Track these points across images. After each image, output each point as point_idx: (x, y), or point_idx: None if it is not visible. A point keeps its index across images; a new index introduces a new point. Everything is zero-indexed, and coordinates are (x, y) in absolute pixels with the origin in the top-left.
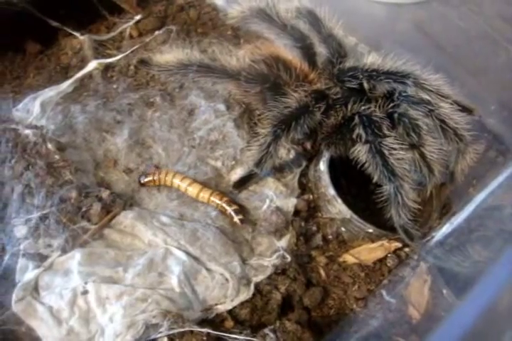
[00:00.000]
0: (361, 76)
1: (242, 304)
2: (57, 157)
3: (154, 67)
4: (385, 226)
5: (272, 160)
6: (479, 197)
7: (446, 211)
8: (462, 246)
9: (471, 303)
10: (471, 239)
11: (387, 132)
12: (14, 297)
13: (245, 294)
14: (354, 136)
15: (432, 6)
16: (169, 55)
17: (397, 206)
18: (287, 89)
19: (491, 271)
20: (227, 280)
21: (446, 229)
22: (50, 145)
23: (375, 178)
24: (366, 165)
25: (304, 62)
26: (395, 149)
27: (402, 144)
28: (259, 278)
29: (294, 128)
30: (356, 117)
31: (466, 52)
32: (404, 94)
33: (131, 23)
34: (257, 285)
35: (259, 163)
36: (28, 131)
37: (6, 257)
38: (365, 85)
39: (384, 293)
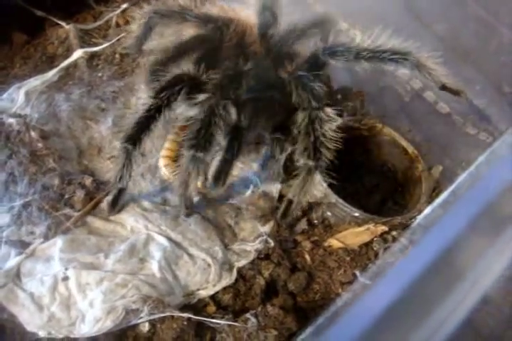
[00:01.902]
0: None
1: (224, 289)
2: (40, 145)
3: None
4: (373, 211)
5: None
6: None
7: (436, 194)
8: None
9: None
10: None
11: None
12: None
13: (228, 279)
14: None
15: None
16: None
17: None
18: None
19: None
20: (209, 265)
21: (427, 211)
22: (33, 134)
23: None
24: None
25: None
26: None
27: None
28: (242, 263)
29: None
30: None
31: (455, 32)
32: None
33: (118, 11)
34: (240, 271)
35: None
36: (11, 120)
37: None
38: None
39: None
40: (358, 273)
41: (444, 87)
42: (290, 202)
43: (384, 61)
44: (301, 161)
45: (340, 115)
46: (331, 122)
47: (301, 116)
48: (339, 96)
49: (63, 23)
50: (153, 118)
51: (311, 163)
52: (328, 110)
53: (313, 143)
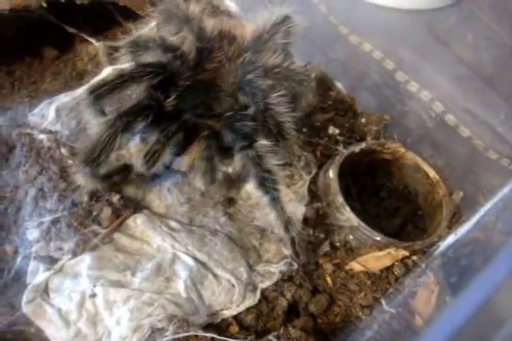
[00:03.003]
0: None
1: (247, 310)
2: (70, 162)
3: None
4: (393, 234)
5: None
6: (484, 209)
7: (455, 220)
8: (460, 259)
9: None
10: (465, 252)
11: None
12: (25, 298)
13: (251, 300)
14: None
15: (449, 12)
16: None
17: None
18: None
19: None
20: (233, 285)
21: (450, 239)
22: (63, 150)
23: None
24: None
25: None
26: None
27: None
28: (266, 284)
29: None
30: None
31: (482, 60)
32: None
33: (146, 28)
34: (263, 292)
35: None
36: (42, 136)
37: (18, 259)
38: None
39: (384, 302)
40: (383, 301)
41: None
42: (292, 240)
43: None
44: (260, 196)
45: (363, 139)
46: (267, 155)
47: (237, 157)
48: (363, 120)
49: (93, 40)
50: (110, 141)
51: (268, 196)
52: (260, 144)
53: (257, 179)
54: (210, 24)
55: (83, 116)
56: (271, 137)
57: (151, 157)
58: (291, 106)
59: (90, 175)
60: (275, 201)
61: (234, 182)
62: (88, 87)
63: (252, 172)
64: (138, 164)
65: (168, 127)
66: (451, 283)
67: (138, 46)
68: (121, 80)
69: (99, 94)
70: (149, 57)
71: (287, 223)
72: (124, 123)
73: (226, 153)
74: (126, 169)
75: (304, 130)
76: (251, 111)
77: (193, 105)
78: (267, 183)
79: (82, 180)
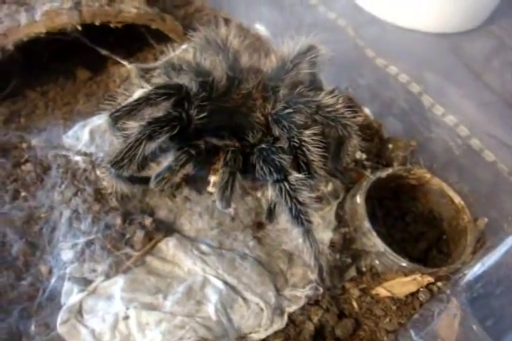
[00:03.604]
0: None
1: (275, 333)
2: (104, 184)
3: None
4: (418, 258)
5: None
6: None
7: (480, 245)
8: (488, 296)
9: None
10: (496, 292)
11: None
12: (59, 319)
13: (279, 324)
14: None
15: (475, 35)
16: None
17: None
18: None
19: None
20: (262, 309)
21: (477, 269)
22: (98, 172)
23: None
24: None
25: None
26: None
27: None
28: (293, 308)
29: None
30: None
31: (507, 85)
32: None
33: (178, 51)
34: (290, 315)
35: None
36: (78, 158)
37: (53, 280)
38: None
39: (413, 332)
40: (412, 332)
41: None
42: (318, 266)
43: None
44: (293, 230)
45: (390, 164)
46: (301, 188)
47: (270, 190)
48: (390, 146)
49: (125, 62)
50: (135, 145)
51: (301, 228)
52: (293, 177)
53: (291, 211)
54: (246, 56)
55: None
56: (300, 171)
57: (169, 171)
58: (322, 145)
59: (114, 176)
60: (308, 233)
61: (271, 213)
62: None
63: (284, 205)
64: (153, 178)
65: (190, 145)
66: (487, 325)
67: (172, 68)
68: (137, 102)
69: (117, 116)
70: (180, 80)
71: (317, 253)
72: (150, 130)
73: (248, 173)
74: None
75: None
76: (283, 144)
77: (216, 128)
78: (301, 216)
79: (107, 180)
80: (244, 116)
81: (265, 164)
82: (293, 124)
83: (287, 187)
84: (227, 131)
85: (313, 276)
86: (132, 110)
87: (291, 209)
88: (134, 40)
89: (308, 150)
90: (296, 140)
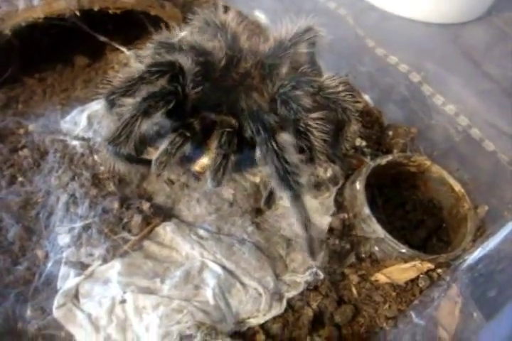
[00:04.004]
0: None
1: (274, 318)
2: (102, 168)
3: None
4: (417, 246)
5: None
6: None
7: (480, 233)
8: (490, 274)
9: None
10: (497, 269)
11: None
12: (55, 303)
13: (277, 309)
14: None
15: (475, 26)
16: None
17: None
18: None
19: None
20: (260, 294)
21: (478, 253)
22: (96, 157)
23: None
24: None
25: None
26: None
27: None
28: (292, 293)
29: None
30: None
31: (507, 74)
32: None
33: (176, 39)
34: (289, 301)
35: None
36: (75, 143)
37: (49, 264)
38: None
39: (413, 314)
40: (412, 313)
41: None
42: (309, 239)
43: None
44: (282, 195)
45: (390, 151)
46: (289, 148)
47: (257, 152)
48: (390, 133)
49: (124, 49)
50: (131, 122)
51: (290, 192)
52: (282, 136)
53: (278, 172)
54: (244, 37)
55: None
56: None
57: (166, 155)
58: (328, 131)
59: (112, 153)
60: (298, 198)
61: (269, 198)
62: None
63: (271, 166)
64: (153, 163)
65: (185, 125)
66: (486, 298)
67: (171, 47)
68: (132, 83)
69: (113, 98)
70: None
71: (307, 221)
72: (146, 106)
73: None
74: (147, 163)
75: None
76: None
77: (213, 105)
78: (289, 177)
79: (104, 159)
80: (241, 94)
81: (253, 123)
82: (301, 107)
83: (274, 146)
84: (224, 107)
85: (313, 262)
86: (127, 91)
87: (278, 170)
88: (133, 26)
89: (313, 134)
90: (302, 124)
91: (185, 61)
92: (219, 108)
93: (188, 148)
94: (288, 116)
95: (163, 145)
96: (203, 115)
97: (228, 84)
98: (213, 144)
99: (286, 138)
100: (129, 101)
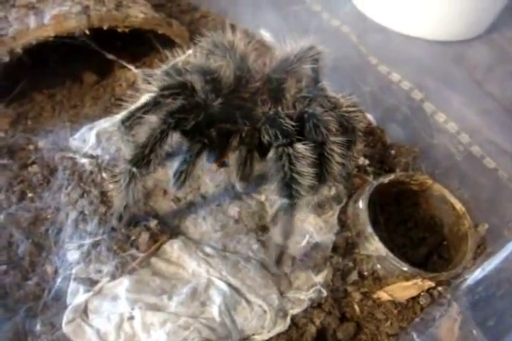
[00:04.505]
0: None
1: (278, 335)
2: (111, 186)
3: None
4: (418, 263)
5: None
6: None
7: (480, 251)
8: (491, 299)
9: None
10: (497, 295)
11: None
12: (65, 318)
13: (282, 326)
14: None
15: (477, 44)
16: None
17: (285, 224)
18: None
19: None
20: (265, 311)
21: (478, 273)
22: (104, 175)
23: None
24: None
25: None
26: (302, 158)
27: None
28: (296, 310)
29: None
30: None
31: (508, 93)
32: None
33: (183, 57)
34: (293, 318)
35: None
36: (84, 160)
37: (58, 280)
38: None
39: (414, 332)
40: (414, 334)
41: None
42: (280, 248)
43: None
44: (277, 201)
45: (392, 170)
46: (303, 159)
47: (270, 154)
48: (392, 152)
49: (131, 66)
50: (160, 141)
51: (287, 201)
52: (299, 146)
53: (283, 178)
54: (252, 57)
55: (118, 144)
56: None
57: (186, 163)
58: (347, 154)
59: (133, 178)
60: (291, 208)
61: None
62: (120, 117)
63: (279, 171)
64: (172, 176)
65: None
66: (488, 326)
67: (176, 71)
68: (147, 108)
69: (129, 125)
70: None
71: (289, 232)
72: (176, 119)
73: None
74: None
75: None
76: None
77: (226, 118)
78: (293, 185)
79: (119, 187)
80: (254, 106)
81: (272, 128)
82: (329, 132)
83: (290, 151)
84: (239, 118)
85: (317, 279)
86: (143, 114)
87: (285, 176)
88: (140, 44)
89: (334, 159)
90: (327, 149)
91: (196, 80)
92: (233, 119)
93: (206, 155)
94: (314, 138)
95: (181, 156)
96: (218, 126)
97: (238, 101)
98: (234, 143)
99: (303, 149)
100: (153, 118)
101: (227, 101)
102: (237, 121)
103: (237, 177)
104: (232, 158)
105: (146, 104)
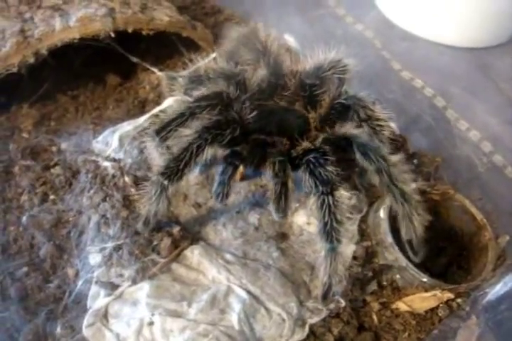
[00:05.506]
0: None
1: None
2: (133, 190)
3: None
4: (438, 273)
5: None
6: None
7: (500, 262)
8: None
9: None
10: None
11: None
12: (85, 322)
13: (300, 335)
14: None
15: (501, 51)
16: None
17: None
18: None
19: None
20: (283, 320)
21: (499, 288)
22: (127, 179)
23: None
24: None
25: None
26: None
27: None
28: (314, 319)
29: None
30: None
31: None
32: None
33: (207, 60)
34: (311, 327)
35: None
36: (107, 164)
37: (79, 283)
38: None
39: None
40: None
41: None
42: (328, 285)
43: None
44: (319, 244)
45: (414, 180)
46: (343, 206)
47: (311, 200)
48: (415, 161)
49: (155, 69)
50: (195, 156)
51: (328, 245)
52: (339, 194)
53: (325, 226)
54: (286, 62)
55: (150, 154)
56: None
57: (221, 186)
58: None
59: (164, 189)
60: (333, 251)
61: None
62: (151, 128)
63: (320, 218)
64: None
65: (234, 152)
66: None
67: (198, 78)
68: (183, 119)
69: (164, 136)
70: (210, 88)
71: (333, 273)
72: (213, 135)
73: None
74: None
75: (356, 169)
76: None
77: (260, 127)
78: (333, 233)
79: (149, 198)
80: (285, 115)
81: (311, 177)
82: (382, 158)
83: (330, 201)
84: (273, 128)
85: (335, 289)
86: (178, 126)
87: (325, 224)
88: (164, 47)
89: (399, 181)
90: (385, 175)
91: (229, 89)
92: (267, 129)
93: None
94: (368, 166)
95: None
96: (253, 138)
97: (272, 107)
98: (268, 175)
99: (342, 194)
100: (188, 131)
101: (261, 109)
102: (272, 131)
103: (273, 209)
104: (269, 186)
105: (181, 115)
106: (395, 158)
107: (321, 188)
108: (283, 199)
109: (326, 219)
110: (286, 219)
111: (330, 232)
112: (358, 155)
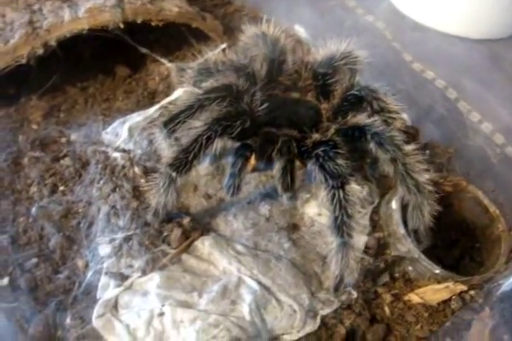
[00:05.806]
0: None
1: (307, 335)
2: (142, 181)
3: None
4: (450, 266)
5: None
6: None
7: None
8: None
9: None
10: None
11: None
12: (95, 313)
13: (311, 326)
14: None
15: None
16: None
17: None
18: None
19: None
20: (295, 311)
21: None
22: (136, 170)
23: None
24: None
25: None
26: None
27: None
28: (326, 311)
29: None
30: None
31: None
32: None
33: (216, 51)
34: (322, 318)
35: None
36: (116, 154)
37: (89, 274)
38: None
39: (445, 336)
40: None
41: None
42: (339, 278)
43: None
44: (331, 236)
45: (427, 170)
46: (354, 200)
47: (322, 193)
48: (427, 152)
49: (164, 60)
50: (205, 147)
51: (339, 240)
52: (349, 187)
53: (336, 220)
54: (285, 41)
55: (159, 145)
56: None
57: (232, 178)
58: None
59: (173, 181)
60: (344, 246)
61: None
62: (160, 120)
63: (331, 213)
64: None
65: (244, 145)
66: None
67: (207, 70)
68: (192, 111)
69: (173, 128)
70: (219, 80)
71: (345, 266)
72: (223, 126)
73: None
74: None
75: (368, 160)
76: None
77: (271, 119)
78: (344, 227)
79: (157, 189)
80: (297, 106)
81: (321, 170)
82: (397, 148)
83: (341, 195)
84: (284, 120)
85: (347, 280)
86: (186, 118)
87: (336, 218)
88: (174, 38)
89: (415, 172)
90: (400, 166)
91: (239, 81)
92: (278, 121)
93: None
94: (382, 156)
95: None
96: (264, 130)
97: (279, 91)
98: (278, 152)
99: (354, 188)
100: (198, 123)
101: (267, 95)
102: (283, 124)
103: (280, 188)
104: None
105: (190, 107)
106: (409, 147)
107: (331, 182)
108: (288, 175)
109: (337, 213)
110: (295, 206)
111: (341, 227)
112: (372, 145)
